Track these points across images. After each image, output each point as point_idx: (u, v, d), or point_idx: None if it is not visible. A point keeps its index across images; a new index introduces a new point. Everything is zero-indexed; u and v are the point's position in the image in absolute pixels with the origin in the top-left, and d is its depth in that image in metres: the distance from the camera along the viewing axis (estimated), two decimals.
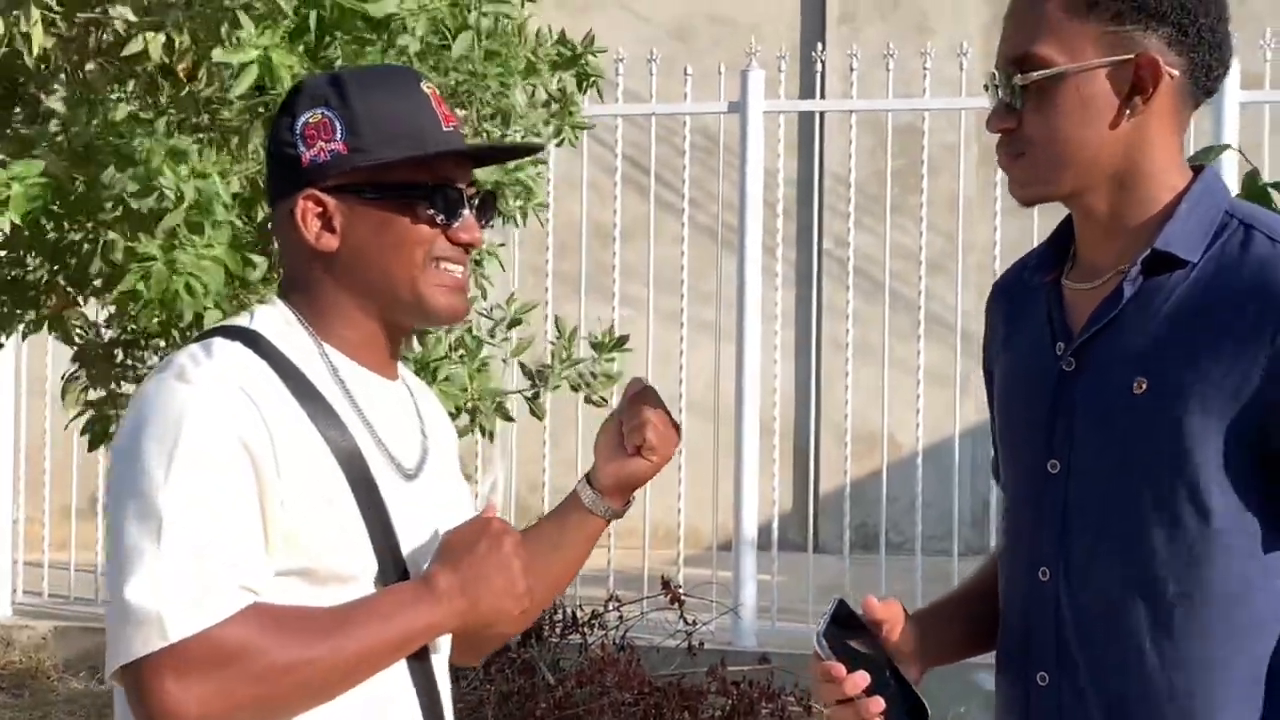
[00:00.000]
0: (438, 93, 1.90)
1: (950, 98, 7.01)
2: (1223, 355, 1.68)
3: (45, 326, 3.52)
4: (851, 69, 6.70)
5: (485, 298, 3.95)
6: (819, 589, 6.52)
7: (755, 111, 6.58)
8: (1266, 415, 1.67)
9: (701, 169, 7.28)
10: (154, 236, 2.84)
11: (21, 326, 3.52)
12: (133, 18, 2.83)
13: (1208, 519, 1.69)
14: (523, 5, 3.68)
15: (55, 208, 3.00)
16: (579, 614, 5.56)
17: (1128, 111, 1.73)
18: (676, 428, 2.03)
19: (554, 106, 3.98)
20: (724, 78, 6.69)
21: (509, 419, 3.79)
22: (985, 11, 8.89)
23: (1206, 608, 1.70)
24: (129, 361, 3.78)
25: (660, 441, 2.01)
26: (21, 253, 3.35)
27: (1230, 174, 4.94)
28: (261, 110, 2.92)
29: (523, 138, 3.93)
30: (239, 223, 3.08)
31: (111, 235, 2.96)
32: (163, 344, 3.31)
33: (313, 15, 2.83)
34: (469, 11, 3.28)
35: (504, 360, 4.02)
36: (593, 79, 3.89)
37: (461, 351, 3.61)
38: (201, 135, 3.06)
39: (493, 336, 3.85)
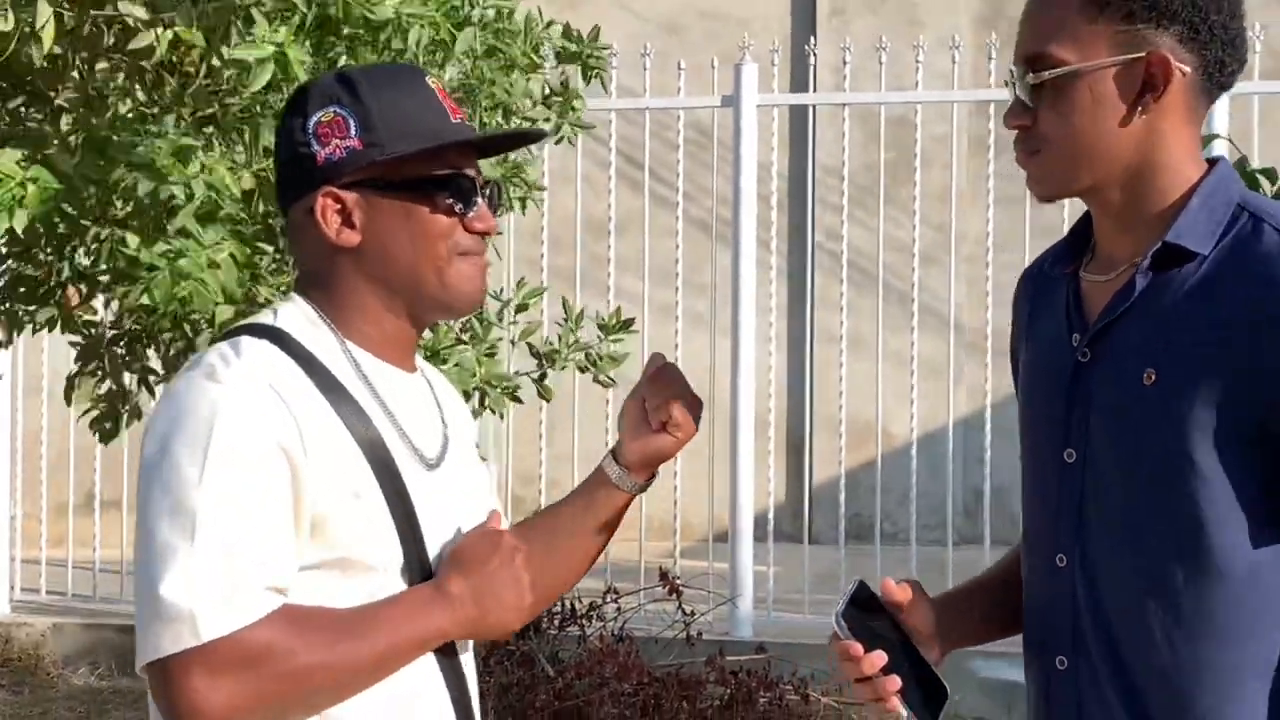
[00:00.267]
0: (442, 87, 1.93)
1: (942, 90, 7.05)
2: (1229, 347, 1.71)
3: (59, 324, 3.54)
4: (844, 62, 6.73)
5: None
6: (814, 579, 6.56)
7: (749, 105, 6.61)
8: (1267, 412, 1.70)
9: (693, 163, 7.31)
10: (164, 233, 2.87)
11: (33, 324, 3.54)
12: (143, 15, 2.85)
13: (1214, 507, 1.73)
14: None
15: (67, 206, 3.03)
16: (577, 606, 5.59)
17: (1140, 108, 1.76)
18: (699, 403, 2.06)
19: (555, 103, 4.01)
20: (717, 72, 6.72)
21: (517, 401, 3.83)
22: (976, 4, 8.93)
23: (1214, 593, 1.73)
24: (134, 356, 3.80)
25: (684, 418, 2.03)
26: (34, 251, 3.37)
27: None
28: (271, 105, 2.94)
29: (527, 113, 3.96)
30: (246, 216, 3.10)
31: (121, 233, 2.99)
32: (173, 338, 3.33)
33: (313, 11, 2.86)
34: (470, 7, 3.30)
35: (511, 343, 4.05)
36: (596, 70, 3.91)
37: (470, 335, 3.64)
38: (210, 131, 3.09)
39: (500, 320, 3.88)
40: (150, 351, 3.78)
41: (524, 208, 3.99)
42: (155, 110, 3.10)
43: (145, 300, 2.76)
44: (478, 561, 1.85)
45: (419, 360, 2.04)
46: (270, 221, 3.19)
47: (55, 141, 3.10)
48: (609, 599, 5.64)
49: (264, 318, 1.91)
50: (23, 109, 3.34)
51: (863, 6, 9.07)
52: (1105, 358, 1.81)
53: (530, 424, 6.87)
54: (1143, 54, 1.75)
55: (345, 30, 2.89)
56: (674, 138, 6.94)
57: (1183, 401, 1.73)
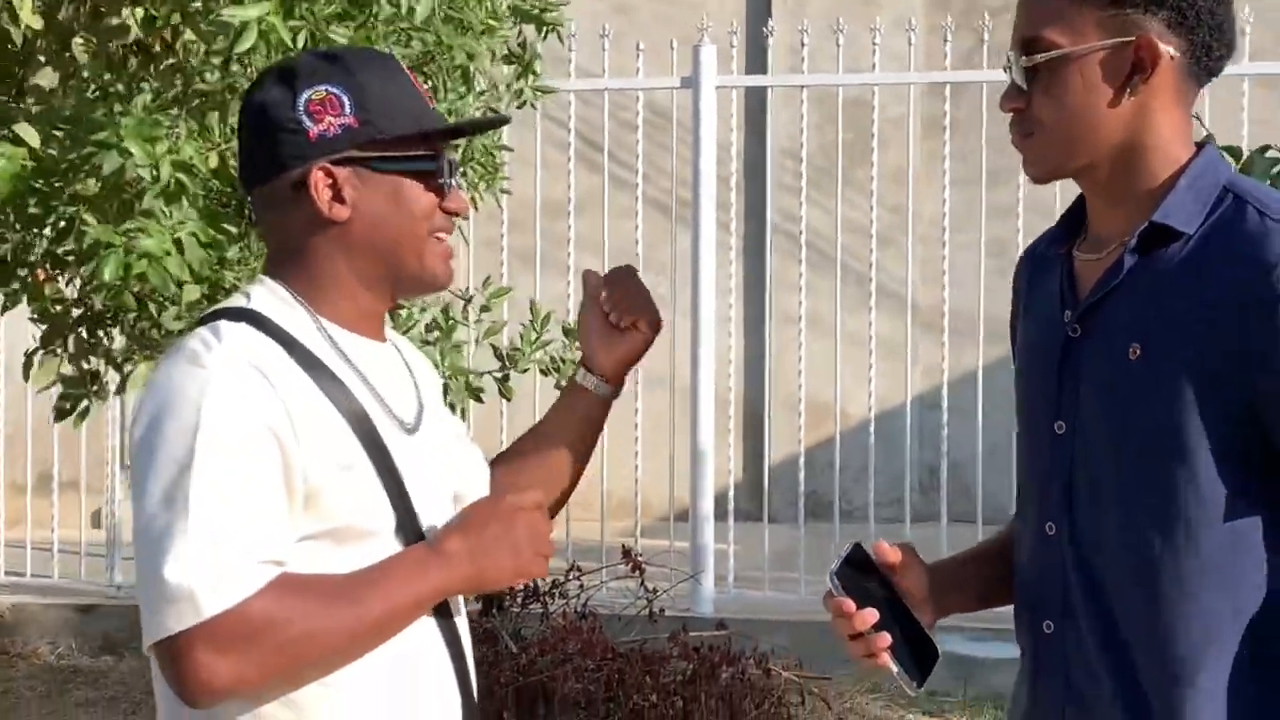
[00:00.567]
0: (413, 72, 2.04)
1: (898, 72, 7.11)
2: (1211, 325, 1.77)
3: (25, 299, 3.55)
4: (802, 44, 6.78)
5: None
6: (773, 556, 6.63)
7: (708, 87, 6.65)
8: (1251, 391, 1.76)
9: (652, 144, 7.35)
10: (131, 213, 2.89)
11: (3, 301, 3.55)
12: None
13: (1195, 480, 1.79)
14: None
15: (37, 184, 3.04)
16: (540, 584, 5.63)
17: (1129, 91, 1.82)
18: (651, 300, 2.23)
19: (514, 68, 4.05)
20: (675, 53, 6.75)
21: (478, 400, 3.87)
22: None
23: (1194, 563, 1.80)
24: (98, 339, 3.81)
25: (650, 311, 2.20)
26: (2, 230, 3.38)
27: None
28: (238, 87, 2.97)
29: (483, 97, 4.00)
30: (213, 194, 3.12)
31: (86, 214, 3.01)
32: (137, 318, 3.35)
33: None
34: None
35: (476, 341, 4.09)
36: (552, 26, 3.95)
37: (436, 333, 3.68)
38: (178, 110, 3.11)
39: (465, 318, 3.92)
40: (116, 332, 3.79)
41: (489, 186, 4.03)
42: (122, 89, 3.11)
43: (103, 276, 2.78)
44: (479, 523, 1.91)
45: (389, 331, 2.10)
46: (236, 201, 3.22)
47: (24, 120, 3.11)
48: (571, 577, 5.68)
49: (238, 301, 1.96)
50: None
51: None
52: (1094, 334, 1.87)
53: (491, 421, 6.90)
54: (1132, 38, 1.81)
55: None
56: (632, 119, 6.97)
57: (1167, 376, 1.79)
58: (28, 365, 3.83)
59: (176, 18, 2.93)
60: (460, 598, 2.04)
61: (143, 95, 3.02)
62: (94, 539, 7.24)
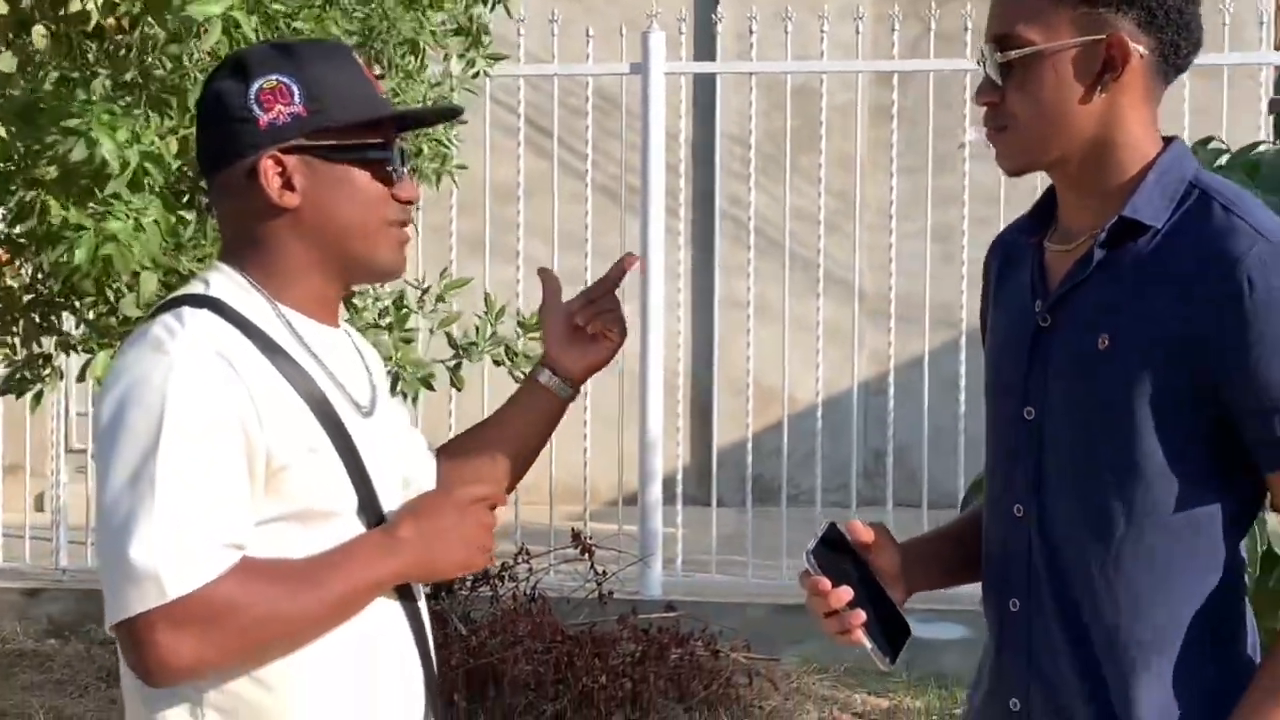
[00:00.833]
0: (367, 64, 2.05)
1: (846, 60, 7.16)
2: (1178, 317, 1.82)
3: None
4: (750, 31, 6.82)
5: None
6: (720, 540, 6.68)
7: (657, 73, 6.67)
8: (1215, 382, 1.81)
9: (600, 130, 7.37)
10: (94, 199, 2.90)
11: None
12: None
13: (1159, 467, 1.85)
14: None
15: None
16: (489, 567, 5.66)
17: (1100, 88, 1.87)
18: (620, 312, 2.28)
19: (462, 39, 4.06)
20: (625, 40, 6.78)
21: (430, 389, 3.90)
22: None
23: (1154, 546, 1.86)
24: (51, 323, 3.81)
25: (621, 321, 2.25)
26: None
27: None
28: (195, 75, 2.98)
29: (437, 88, 4.02)
30: (170, 182, 3.13)
31: (47, 197, 3.01)
32: (95, 302, 3.36)
33: None
34: None
35: (430, 331, 4.11)
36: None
37: (389, 320, 3.70)
38: (129, 100, 3.12)
39: (420, 307, 3.94)
40: (66, 315, 3.79)
41: (438, 181, 4.05)
42: (78, 76, 3.12)
43: (72, 259, 2.79)
44: (431, 512, 1.96)
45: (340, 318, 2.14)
46: (192, 188, 3.23)
47: None
48: (520, 560, 5.71)
49: (197, 288, 1.98)
50: None
51: None
52: (1064, 324, 1.92)
53: (439, 409, 6.91)
54: (1103, 36, 1.86)
55: None
56: (581, 104, 6.99)
57: (1134, 366, 1.84)
58: None
59: (138, 6, 2.94)
60: (422, 592, 2.08)
61: (99, 80, 3.03)
62: (39, 523, 7.21)
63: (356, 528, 1.95)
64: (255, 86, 1.96)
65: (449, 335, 4.05)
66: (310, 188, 1.96)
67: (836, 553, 1.98)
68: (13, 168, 3.10)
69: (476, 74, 4.06)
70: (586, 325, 2.24)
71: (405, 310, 3.81)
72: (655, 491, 6.61)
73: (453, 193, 6.77)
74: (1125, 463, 1.86)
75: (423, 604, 2.07)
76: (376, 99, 2.00)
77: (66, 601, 6.50)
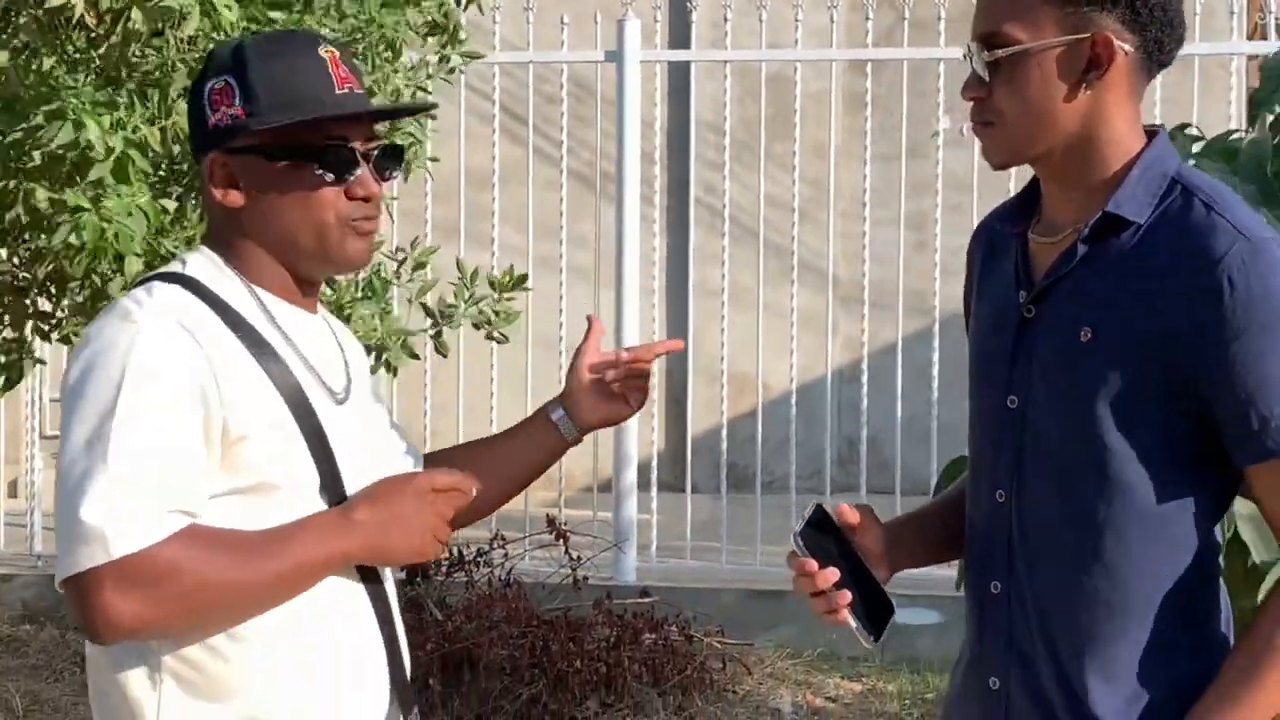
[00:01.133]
0: (336, 55, 2.05)
1: (820, 49, 7.18)
2: (1160, 313, 1.86)
3: None
4: (725, 19, 6.84)
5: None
6: (695, 526, 6.71)
7: (632, 61, 6.69)
8: (1193, 377, 1.85)
9: (575, 117, 7.38)
10: (78, 186, 2.92)
11: None
12: None
13: (1137, 456, 1.89)
14: None
15: None
16: (465, 552, 5.68)
17: (1085, 85, 1.90)
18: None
19: (438, 38, 4.09)
20: (600, 27, 6.79)
21: (415, 357, 3.93)
22: None
23: (1131, 532, 1.90)
24: (33, 306, 3.82)
25: (645, 391, 2.31)
26: None
27: None
28: (178, 65, 3.00)
29: (413, 75, 4.04)
30: (154, 170, 3.15)
31: (32, 184, 3.03)
32: (81, 286, 3.38)
33: None
34: None
35: (409, 300, 4.14)
36: None
37: (369, 294, 3.73)
38: (119, 87, 3.13)
39: (398, 278, 3.97)
40: (43, 300, 3.81)
41: (409, 173, 4.08)
42: (63, 67, 3.13)
43: (73, 240, 2.82)
44: (389, 496, 2.00)
45: (321, 307, 2.18)
46: (174, 173, 3.25)
47: None
48: (496, 545, 5.73)
49: (175, 267, 2.05)
50: None
51: None
52: (1048, 315, 1.96)
53: (414, 374, 6.92)
54: (1088, 34, 1.89)
55: None
56: (556, 92, 7.00)
57: (1115, 358, 1.88)
58: None
59: (120, 2, 2.95)
60: (390, 572, 2.11)
61: (84, 69, 3.05)
62: (14, 509, 7.21)
63: (318, 506, 1.98)
64: (207, 88, 2.03)
65: (425, 306, 4.08)
66: (253, 188, 2.01)
67: (822, 534, 2.02)
68: (2, 154, 3.11)
69: (452, 70, 4.08)
70: (612, 378, 2.29)
71: (384, 280, 3.84)
72: (630, 478, 6.64)
73: (428, 179, 6.79)
74: (1105, 452, 1.90)
75: (390, 586, 2.09)
76: (327, 97, 2.01)
77: (41, 587, 6.50)
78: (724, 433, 6.86)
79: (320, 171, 2.00)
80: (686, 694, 5.32)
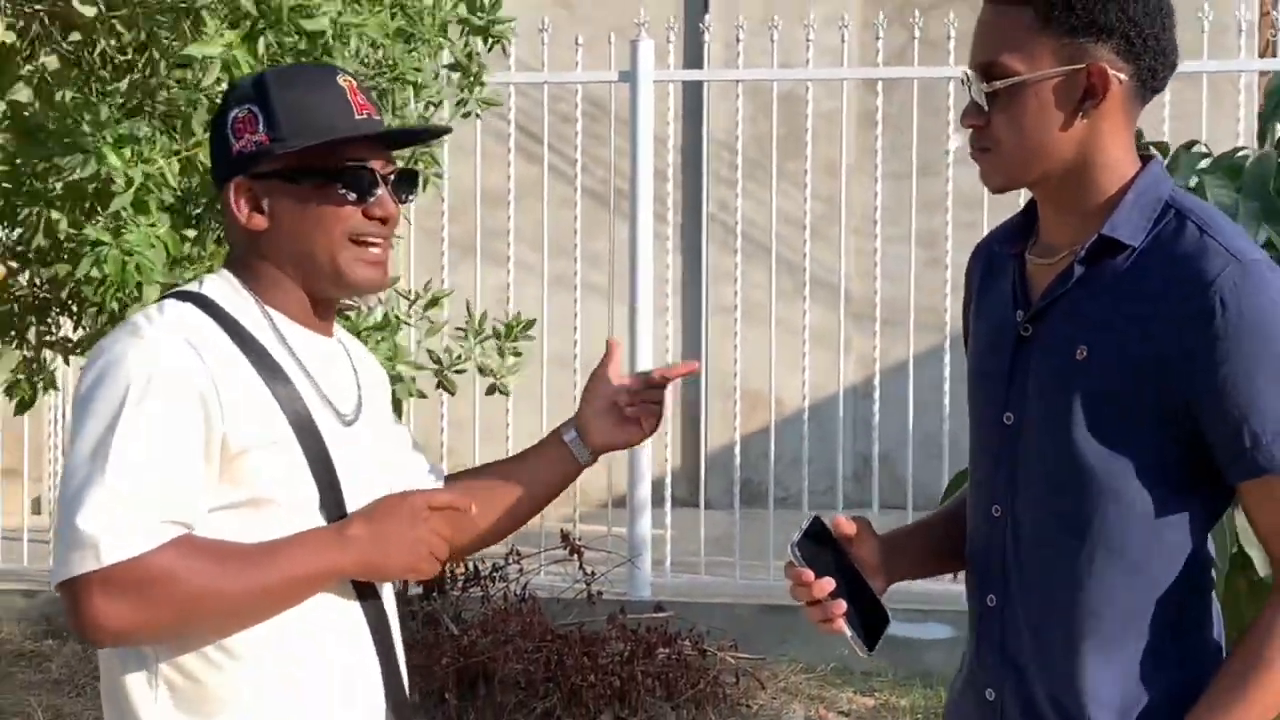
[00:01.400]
0: (354, 84, 2.13)
1: (832, 68, 7.24)
2: (1151, 333, 1.91)
3: None
4: (737, 39, 6.90)
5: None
6: (709, 542, 6.76)
7: (645, 81, 6.76)
8: (1184, 397, 1.90)
9: (590, 136, 7.45)
10: (98, 216, 2.99)
11: None
12: (91, 13, 2.98)
13: (1130, 473, 1.94)
14: None
15: (7, 186, 3.14)
16: (480, 567, 5.73)
17: (1081, 113, 1.95)
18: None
19: (460, 77, 4.14)
20: (614, 48, 6.86)
21: (421, 395, 3.99)
22: None
23: (1124, 547, 1.95)
24: (49, 328, 3.90)
25: (658, 418, 2.33)
26: None
27: None
28: (200, 100, 3.08)
29: (425, 107, 4.10)
30: (175, 200, 3.23)
31: (54, 214, 3.11)
32: (98, 311, 3.44)
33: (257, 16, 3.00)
34: None
35: (418, 342, 4.19)
36: (499, 39, 4.06)
37: (382, 334, 3.79)
38: (143, 119, 3.21)
39: (410, 318, 4.03)
40: (65, 320, 3.88)
41: (424, 185, 4.13)
42: (88, 99, 3.20)
43: (94, 273, 2.89)
44: (384, 514, 2.06)
45: (339, 330, 2.25)
46: (196, 207, 3.32)
47: None
48: (511, 560, 5.78)
49: (191, 286, 2.13)
50: None
51: None
52: (1044, 334, 2.01)
53: (431, 412, 6.99)
54: (1084, 65, 1.94)
55: (284, 33, 3.02)
56: (571, 111, 7.07)
57: (1108, 377, 1.94)
58: None
59: (143, 35, 3.02)
60: (389, 586, 2.16)
61: (107, 101, 3.12)
62: (37, 525, 7.29)
63: (317, 524, 2.04)
64: (230, 117, 2.11)
65: (430, 353, 4.13)
66: (277, 211, 2.08)
67: (820, 545, 2.06)
68: (21, 186, 3.18)
69: (468, 114, 4.14)
70: (625, 403, 2.31)
71: (397, 320, 3.90)
72: (644, 493, 6.69)
73: (444, 198, 6.86)
74: (1097, 468, 1.95)
75: (389, 604, 2.15)
76: (345, 122, 2.08)
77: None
78: (737, 449, 6.91)
79: (343, 191, 2.07)
80: (700, 708, 5.37)
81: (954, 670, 2.25)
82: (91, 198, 3.05)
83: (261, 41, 2.93)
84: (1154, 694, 1.96)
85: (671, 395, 7.23)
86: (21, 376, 3.85)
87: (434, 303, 4.10)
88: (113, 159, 2.91)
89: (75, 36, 3.04)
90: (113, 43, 3.07)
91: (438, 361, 4.13)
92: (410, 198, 2.18)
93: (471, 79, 4.06)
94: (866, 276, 7.31)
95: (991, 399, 2.07)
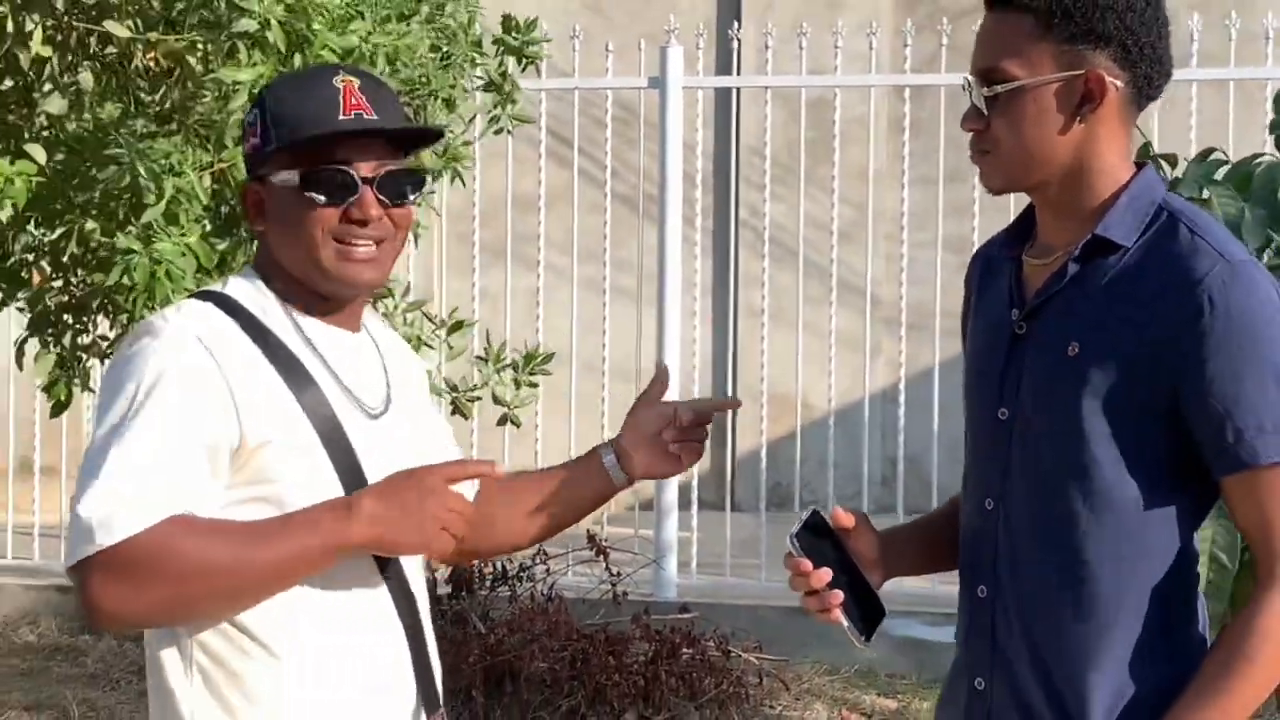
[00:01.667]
0: (354, 84, 2.12)
1: (861, 74, 7.29)
2: (1141, 331, 1.97)
3: (29, 302, 3.74)
4: (767, 45, 6.95)
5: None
6: (735, 544, 6.81)
7: (675, 87, 6.82)
8: (1173, 393, 1.96)
9: (620, 141, 7.51)
10: (131, 226, 3.08)
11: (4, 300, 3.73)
12: (125, 33, 3.06)
13: (1119, 467, 2.00)
14: None
15: (42, 193, 3.23)
16: (508, 567, 5.80)
17: (1078, 119, 2.02)
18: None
19: (495, 94, 4.22)
20: (644, 54, 6.92)
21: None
22: None
23: (1113, 539, 2.01)
24: (84, 326, 3.99)
25: (699, 453, 2.34)
26: (10, 238, 3.57)
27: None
28: (231, 112, 3.15)
29: (457, 123, 4.17)
30: (204, 210, 3.31)
31: (89, 224, 3.20)
32: (130, 315, 3.53)
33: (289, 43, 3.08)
34: (418, 1, 3.51)
35: (438, 366, 4.25)
36: (532, 60, 4.13)
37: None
38: (175, 132, 3.29)
39: (435, 339, 4.10)
40: (102, 320, 3.97)
41: (454, 179, 4.20)
42: (125, 111, 3.29)
43: (124, 280, 2.97)
44: (395, 488, 2.04)
45: (368, 320, 2.26)
46: (225, 216, 3.41)
47: (27, 136, 3.29)
48: (538, 560, 5.84)
49: (215, 286, 2.19)
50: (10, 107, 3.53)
51: None
52: (1038, 331, 2.07)
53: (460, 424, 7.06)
54: (1082, 71, 2.00)
55: (315, 55, 3.09)
56: (602, 116, 7.13)
57: (1099, 373, 1.99)
58: (19, 355, 4.01)
59: (179, 46, 3.11)
60: (420, 574, 2.20)
61: (142, 114, 3.20)
62: None
63: None
64: (245, 122, 2.19)
65: (446, 380, 4.19)
66: (270, 212, 2.14)
67: (819, 537, 2.13)
68: (57, 195, 3.27)
69: (500, 131, 4.20)
70: (669, 438, 2.30)
71: (418, 342, 3.97)
72: (671, 496, 6.74)
73: (475, 203, 6.94)
74: (1087, 462, 2.00)
75: (418, 588, 2.17)
76: (329, 122, 2.07)
77: None
78: (764, 452, 6.95)
79: (309, 194, 2.07)
80: (723, 708, 5.42)
81: None
82: (125, 208, 3.13)
83: (295, 63, 3.01)
84: (1141, 686, 2.01)
85: (700, 397, 7.23)
86: (60, 376, 3.93)
87: (457, 327, 4.14)
88: (143, 170, 2.98)
89: (111, 50, 3.13)
90: (149, 57, 3.16)
91: (454, 388, 4.19)
92: (411, 199, 2.15)
93: (504, 96, 4.13)
94: (894, 281, 7.35)
95: (987, 395, 2.13)
